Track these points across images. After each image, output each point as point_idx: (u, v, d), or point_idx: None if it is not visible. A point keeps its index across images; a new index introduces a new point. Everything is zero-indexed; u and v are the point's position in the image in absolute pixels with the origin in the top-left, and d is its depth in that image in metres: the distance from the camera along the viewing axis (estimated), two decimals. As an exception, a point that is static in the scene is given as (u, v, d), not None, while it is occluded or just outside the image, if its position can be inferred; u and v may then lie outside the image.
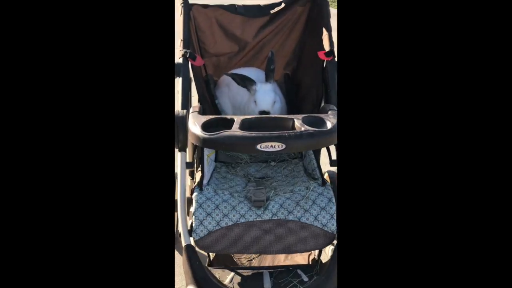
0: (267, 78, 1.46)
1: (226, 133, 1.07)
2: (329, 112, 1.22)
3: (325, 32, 1.51)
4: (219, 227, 1.18)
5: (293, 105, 1.61)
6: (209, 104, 1.58)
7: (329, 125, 1.11)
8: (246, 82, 1.45)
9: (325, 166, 1.36)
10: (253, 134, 1.05)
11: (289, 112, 1.58)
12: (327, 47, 1.46)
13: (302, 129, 1.09)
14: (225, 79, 1.55)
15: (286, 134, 1.05)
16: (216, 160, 1.43)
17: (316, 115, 1.19)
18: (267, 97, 1.44)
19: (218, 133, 1.07)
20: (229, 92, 1.60)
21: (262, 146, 1.05)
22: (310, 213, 1.20)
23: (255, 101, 1.44)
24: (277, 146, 1.05)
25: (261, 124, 1.16)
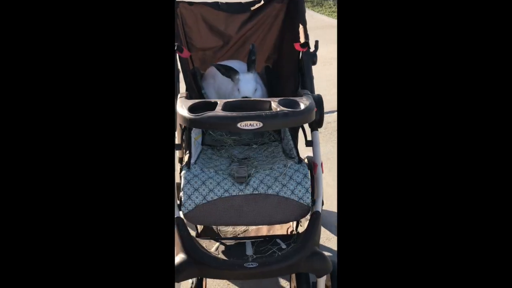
0: (249, 69, 1.59)
1: (210, 113, 1.20)
2: (304, 96, 1.35)
3: (301, 26, 1.65)
4: (206, 201, 1.31)
5: (273, 93, 1.75)
6: (196, 93, 1.71)
7: (302, 106, 1.24)
8: (230, 72, 1.58)
9: (305, 151, 1.50)
10: (234, 114, 1.18)
11: None
12: (302, 39, 1.60)
13: (278, 109, 1.22)
14: (211, 71, 1.69)
15: (263, 113, 1.18)
16: (202, 144, 1.55)
17: (291, 98, 1.32)
18: (249, 85, 1.57)
19: (203, 114, 1.20)
20: (214, 83, 1.72)
21: (242, 125, 1.17)
22: (287, 187, 1.33)
23: (238, 89, 1.57)
24: (255, 124, 1.17)
25: (242, 106, 1.29)
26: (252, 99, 1.41)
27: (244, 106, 1.29)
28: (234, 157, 1.50)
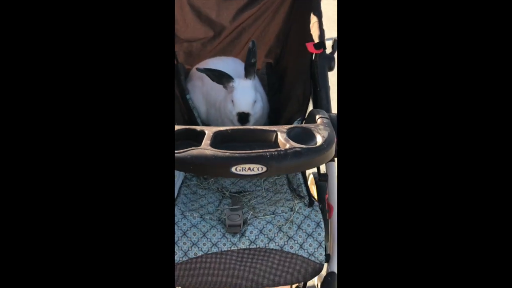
0: (247, 74, 1.24)
1: (195, 151, 0.86)
2: (319, 120, 1.02)
3: (314, 19, 1.29)
4: (187, 258, 0.99)
5: (276, 101, 1.41)
6: (178, 100, 1.36)
7: (319, 139, 0.91)
8: (222, 79, 1.24)
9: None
10: (227, 153, 0.85)
11: (271, 111, 1.38)
12: (316, 38, 1.25)
13: (287, 146, 0.89)
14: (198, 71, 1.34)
15: (268, 154, 0.85)
16: None
17: (303, 125, 0.99)
18: (246, 96, 1.23)
19: (185, 152, 0.86)
20: (202, 87, 1.38)
21: (238, 169, 0.85)
22: (294, 240, 1.02)
23: (232, 101, 1.23)
24: (256, 169, 0.85)
25: (238, 137, 0.95)
26: (251, 128, 1.07)
27: (241, 138, 0.96)
28: (225, 191, 1.17)
